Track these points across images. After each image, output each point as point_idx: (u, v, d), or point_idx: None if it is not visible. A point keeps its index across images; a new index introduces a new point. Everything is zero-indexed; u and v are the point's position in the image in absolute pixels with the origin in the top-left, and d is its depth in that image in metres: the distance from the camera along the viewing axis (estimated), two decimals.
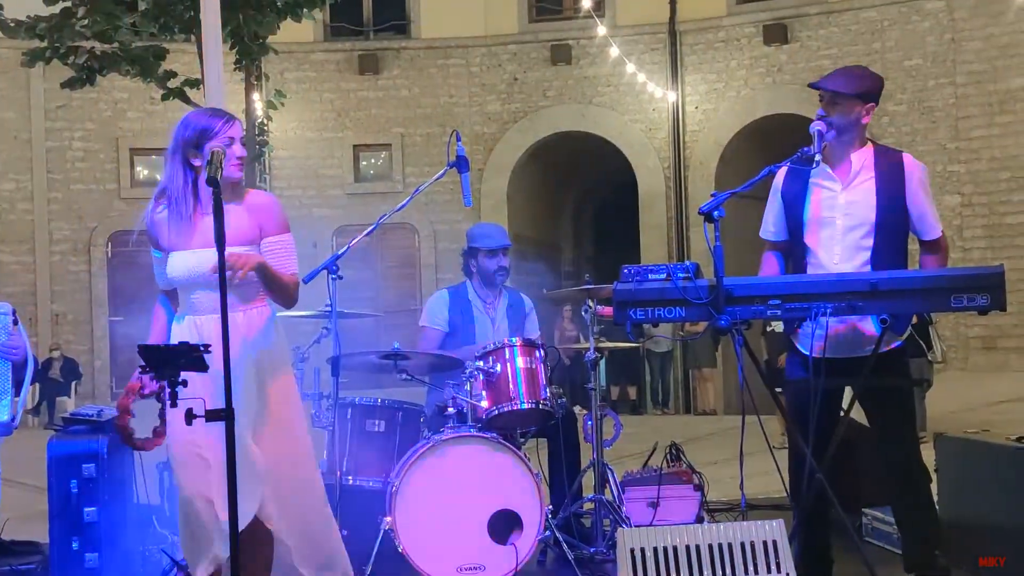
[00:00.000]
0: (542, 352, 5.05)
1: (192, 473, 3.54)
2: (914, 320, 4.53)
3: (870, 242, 4.02)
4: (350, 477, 4.94)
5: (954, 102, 14.39)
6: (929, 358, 8.87)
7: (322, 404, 5.10)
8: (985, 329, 13.61)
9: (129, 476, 4.89)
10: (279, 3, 9.75)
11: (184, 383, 3.16)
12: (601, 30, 15.72)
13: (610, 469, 5.30)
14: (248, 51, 9.55)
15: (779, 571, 3.69)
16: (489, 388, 4.88)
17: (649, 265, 3.94)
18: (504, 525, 4.55)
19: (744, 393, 3.92)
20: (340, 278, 4.71)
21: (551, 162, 17.46)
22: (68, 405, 14.16)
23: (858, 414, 4.25)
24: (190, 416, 3.13)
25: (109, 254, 16.23)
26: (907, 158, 4.13)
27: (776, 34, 15.66)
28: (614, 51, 15.96)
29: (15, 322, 3.75)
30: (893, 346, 4.03)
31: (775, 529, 3.73)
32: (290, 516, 3.65)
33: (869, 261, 4.02)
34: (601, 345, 5.28)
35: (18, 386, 3.76)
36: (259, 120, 10.79)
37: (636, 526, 4.83)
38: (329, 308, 4.81)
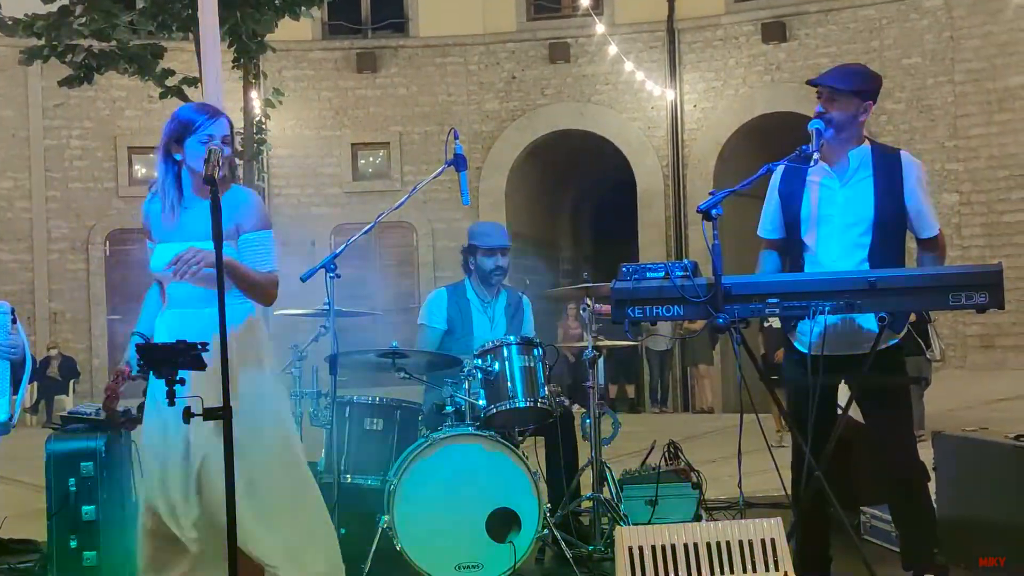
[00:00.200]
0: (540, 350, 5.05)
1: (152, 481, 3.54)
2: (912, 318, 4.53)
3: (868, 240, 4.03)
4: (348, 475, 4.94)
5: (952, 100, 14.39)
6: (928, 356, 8.84)
7: (320, 402, 5.10)
8: (983, 327, 13.62)
9: (127, 474, 4.88)
10: (277, 1, 9.74)
11: (182, 381, 3.16)
12: (599, 28, 15.71)
13: (608, 467, 5.30)
14: (246, 49, 9.55)
15: (777, 569, 3.69)
16: (487, 386, 4.89)
17: (647, 263, 3.94)
18: (502, 523, 4.55)
19: (743, 391, 3.93)
20: (338, 276, 4.70)
21: (549, 160, 17.46)
22: (66, 403, 14.15)
23: (856, 412, 4.25)
24: (188, 414, 3.13)
25: (107, 252, 16.22)
26: (905, 156, 4.13)
27: (774, 32, 15.66)
28: (612, 49, 15.96)
29: (13, 320, 3.75)
30: (890, 344, 4.03)
31: (773, 527, 3.74)
32: (271, 531, 3.51)
33: (867, 259, 4.02)
34: (600, 343, 5.28)
35: (16, 385, 3.76)
36: (257, 118, 10.77)
37: (634, 524, 4.83)
38: (327, 306, 4.81)
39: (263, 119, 11.72)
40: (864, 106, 4.10)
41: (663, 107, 16.31)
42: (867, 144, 4.15)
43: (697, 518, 5.25)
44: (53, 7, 9.33)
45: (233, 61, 9.72)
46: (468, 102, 16.88)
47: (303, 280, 4.69)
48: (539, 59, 16.81)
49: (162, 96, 9.53)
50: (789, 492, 4.19)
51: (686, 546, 3.72)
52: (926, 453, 4.51)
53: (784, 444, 4.98)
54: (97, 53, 9.38)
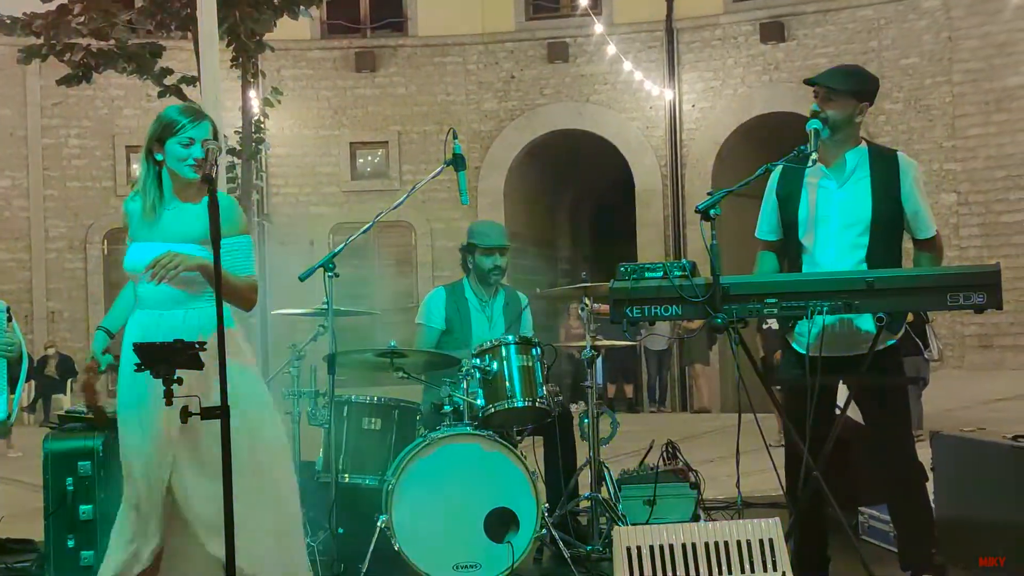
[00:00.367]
0: (538, 350, 5.04)
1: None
2: (910, 318, 4.53)
3: (865, 240, 4.03)
4: (346, 475, 4.93)
5: (950, 100, 14.39)
6: (926, 356, 8.87)
7: (318, 402, 5.09)
8: (981, 327, 13.62)
9: None
10: (276, 0, 9.73)
11: (179, 381, 3.15)
12: (598, 28, 15.71)
13: (606, 467, 5.30)
14: (245, 48, 9.54)
15: (775, 569, 3.69)
16: (485, 386, 4.88)
17: (646, 263, 3.94)
18: (500, 523, 4.54)
19: (740, 391, 3.92)
20: (336, 276, 4.69)
21: (548, 160, 17.45)
22: (64, 403, 14.14)
23: (854, 413, 4.25)
24: (185, 414, 3.12)
25: (105, 251, 16.20)
26: (901, 156, 4.14)
27: (773, 32, 15.65)
28: (611, 49, 15.95)
29: (9, 319, 3.75)
30: (888, 344, 4.03)
31: (771, 527, 3.73)
32: (243, 538, 3.43)
33: (864, 260, 4.02)
34: (598, 343, 5.27)
35: (13, 383, 3.75)
36: (256, 117, 10.76)
37: (632, 524, 4.82)
38: (326, 306, 4.80)
39: (262, 118, 11.71)
40: (861, 107, 4.10)
41: (662, 107, 16.30)
42: (864, 145, 4.15)
43: (695, 518, 5.25)
44: (52, 6, 9.33)
45: (232, 60, 9.71)
46: (467, 101, 16.88)
47: (301, 279, 4.69)
48: (538, 59, 16.80)
49: (160, 95, 9.52)
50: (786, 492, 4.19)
51: (684, 546, 3.71)
52: (924, 453, 4.50)
53: (783, 443, 4.96)
54: (95, 52, 9.37)
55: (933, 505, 4.39)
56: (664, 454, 5.76)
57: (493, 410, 4.85)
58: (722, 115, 16.10)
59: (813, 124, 4.00)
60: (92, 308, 16.03)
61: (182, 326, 3.52)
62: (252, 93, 11.01)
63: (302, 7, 10.09)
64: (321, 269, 4.68)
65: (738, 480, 4.49)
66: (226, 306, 3.59)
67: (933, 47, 14.52)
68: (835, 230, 4.06)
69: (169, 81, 9.74)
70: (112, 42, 9.10)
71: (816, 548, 4.19)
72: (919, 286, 3.80)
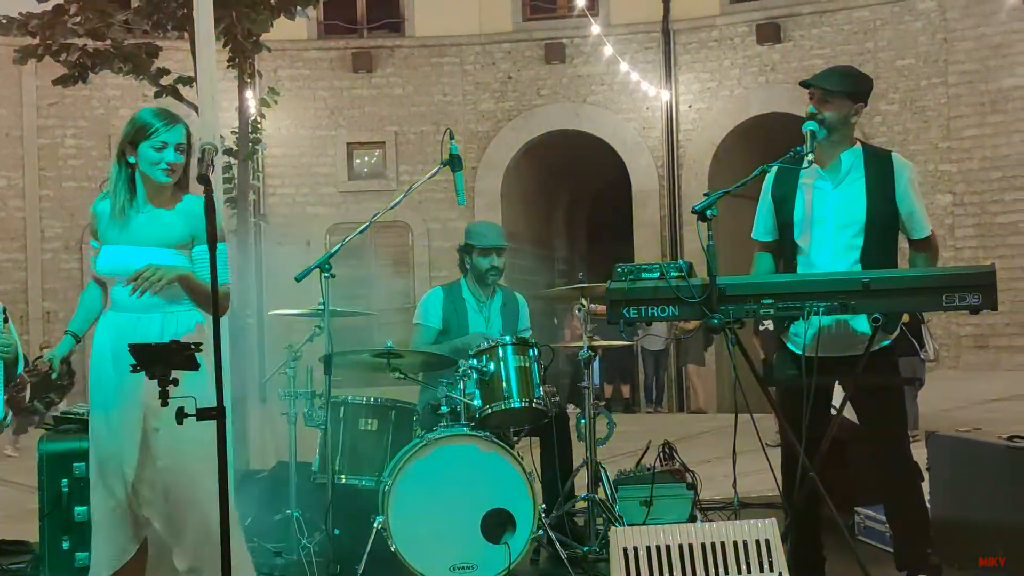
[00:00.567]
0: (535, 351, 5.04)
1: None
2: (906, 319, 4.53)
3: (860, 241, 4.03)
4: (342, 476, 4.93)
5: (946, 102, 14.40)
6: (922, 356, 8.88)
7: (315, 403, 5.09)
8: (977, 328, 13.63)
9: None
10: (273, 1, 9.71)
11: (175, 382, 3.15)
12: (595, 29, 15.70)
13: (603, 468, 5.29)
14: (241, 49, 9.50)
15: (772, 570, 3.69)
16: (482, 387, 4.87)
17: (642, 264, 3.94)
18: (497, 524, 4.54)
19: (737, 391, 3.92)
20: (333, 276, 4.69)
21: (545, 160, 17.45)
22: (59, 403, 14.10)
23: (850, 413, 4.25)
24: (181, 415, 3.11)
25: None
26: (896, 157, 4.14)
27: (769, 33, 15.65)
28: (608, 50, 15.95)
29: (5, 320, 3.74)
30: (883, 345, 4.03)
31: (768, 528, 3.73)
32: (178, 537, 3.57)
33: (859, 260, 4.02)
34: (595, 343, 5.27)
35: (9, 384, 3.74)
36: (252, 118, 10.73)
37: (629, 525, 4.82)
38: (322, 306, 4.79)
39: (258, 118, 11.66)
40: (856, 108, 4.11)
41: (658, 108, 16.30)
42: (858, 146, 4.16)
43: (692, 519, 5.25)
44: (47, 6, 9.30)
45: (228, 60, 9.67)
46: (464, 102, 16.87)
47: (298, 280, 4.68)
48: (535, 59, 16.79)
49: (157, 95, 9.48)
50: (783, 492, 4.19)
51: (681, 547, 3.71)
52: (920, 453, 4.51)
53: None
54: (91, 52, 9.32)
55: (929, 505, 4.39)
56: (661, 455, 5.76)
57: (490, 411, 4.85)
58: (719, 116, 16.10)
59: (809, 125, 4.00)
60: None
61: (160, 330, 3.57)
62: (249, 93, 10.96)
63: (299, 7, 10.05)
64: (317, 269, 4.68)
65: (735, 481, 4.49)
66: (198, 307, 3.62)
67: (929, 48, 14.54)
68: (830, 231, 4.06)
69: (165, 81, 9.71)
70: (108, 42, 9.06)
71: (812, 548, 4.19)
72: (915, 287, 3.81)
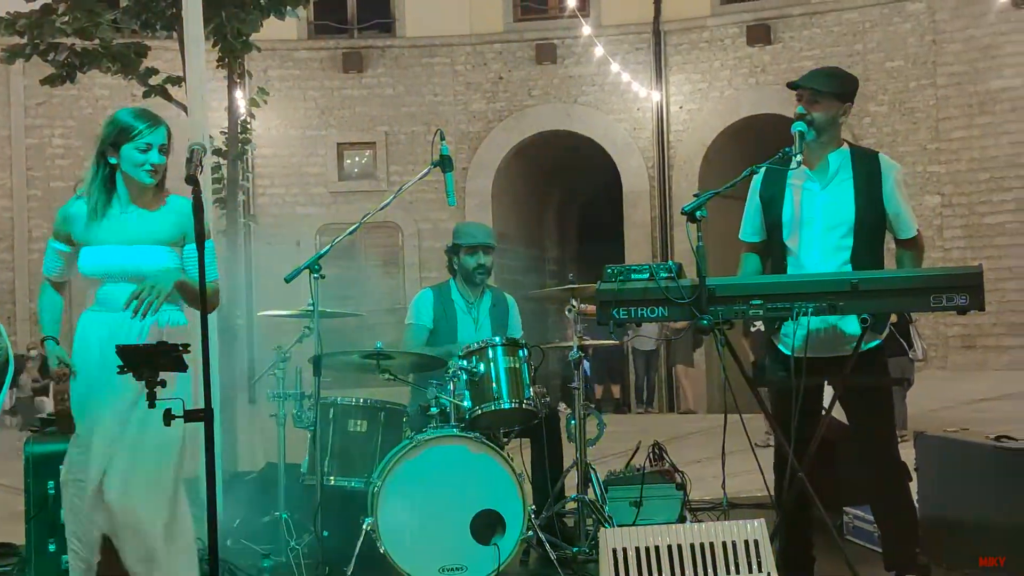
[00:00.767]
0: (525, 351, 5.04)
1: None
2: (894, 319, 4.54)
3: (850, 242, 4.05)
4: (331, 477, 4.92)
5: (935, 103, 14.45)
6: (910, 356, 8.90)
7: (304, 404, 5.07)
8: (964, 328, 13.67)
9: None
10: (262, 0, 9.68)
11: (163, 383, 3.14)
12: (586, 30, 15.71)
13: (593, 469, 5.29)
14: (231, 48, 9.47)
15: (760, 570, 3.69)
16: (472, 388, 4.87)
17: (632, 265, 3.94)
18: (486, 525, 4.53)
19: (727, 392, 3.93)
20: (322, 277, 4.67)
21: (536, 161, 17.45)
22: (46, 405, 14.03)
23: (839, 413, 4.26)
24: (168, 416, 3.10)
25: None
26: (883, 158, 4.16)
27: (759, 35, 15.69)
28: (599, 51, 15.96)
29: None
30: (872, 345, 4.04)
31: (757, 529, 3.74)
32: (136, 534, 3.56)
33: (849, 261, 4.03)
34: (585, 343, 5.27)
35: None
36: (242, 118, 10.71)
37: (618, 526, 4.82)
38: (311, 307, 4.78)
39: (248, 118, 11.66)
40: (844, 108, 4.13)
41: (649, 108, 16.32)
42: (846, 147, 4.17)
43: (682, 519, 5.25)
44: (35, 5, 9.26)
45: (218, 60, 9.65)
46: (455, 102, 16.86)
47: (287, 281, 4.67)
48: (526, 60, 16.80)
49: (145, 95, 9.45)
50: (772, 493, 4.19)
51: (670, 548, 3.72)
52: (908, 453, 4.52)
53: (771, 444, 4.98)
54: (80, 52, 9.29)
55: (917, 505, 4.40)
56: (651, 455, 5.76)
57: (480, 412, 4.84)
58: (709, 117, 16.13)
59: (798, 126, 4.01)
60: (75, 310, 15.88)
61: (152, 329, 3.58)
62: (238, 93, 10.94)
63: (289, 7, 10.03)
64: (307, 270, 4.66)
65: (723, 481, 4.50)
66: (183, 305, 3.62)
67: (917, 50, 14.58)
68: (819, 232, 4.07)
69: (154, 81, 9.68)
70: (96, 42, 9.02)
71: (801, 549, 4.19)
72: (903, 287, 3.82)
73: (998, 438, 4.41)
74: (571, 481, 5.22)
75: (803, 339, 3.83)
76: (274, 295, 5.49)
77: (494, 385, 4.88)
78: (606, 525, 4.85)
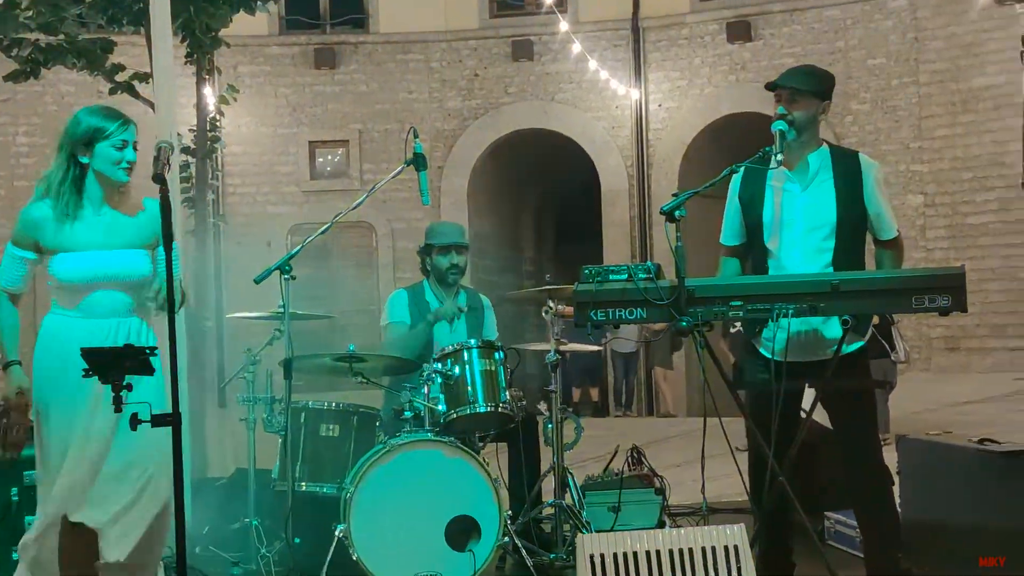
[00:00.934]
0: (501, 354, 5.04)
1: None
2: (876, 321, 4.56)
3: (831, 243, 4.06)
4: (303, 483, 4.91)
5: (917, 101, 14.54)
6: (892, 359, 8.95)
7: (274, 408, 5.06)
8: (947, 330, 13.76)
9: None
10: None
11: (129, 387, 3.12)
12: (563, 26, 15.72)
13: (570, 473, 5.30)
14: (200, 44, 9.44)
15: None
16: (447, 391, 4.86)
17: (610, 265, 3.95)
18: (462, 531, 4.53)
19: (706, 395, 3.94)
20: (293, 278, 4.66)
21: (512, 159, 17.45)
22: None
23: (821, 416, 4.28)
24: (135, 421, 3.09)
25: None
26: (862, 157, 4.19)
27: (739, 32, 15.74)
28: (576, 47, 15.97)
29: None
30: (854, 347, 4.06)
31: (736, 534, 3.74)
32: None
33: (831, 263, 4.05)
34: (563, 347, 5.28)
35: None
36: (211, 115, 10.67)
37: (596, 531, 4.83)
38: (282, 309, 4.76)
39: (217, 116, 11.62)
40: (823, 106, 4.16)
41: (628, 106, 16.35)
42: (825, 146, 4.19)
43: (660, 524, 5.27)
44: None
45: (186, 56, 9.61)
46: (429, 100, 16.84)
47: (257, 282, 4.65)
48: (502, 57, 16.79)
49: (111, 92, 9.40)
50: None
51: (648, 553, 3.72)
52: (890, 457, 4.54)
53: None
54: (44, 47, 9.23)
55: (899, 509, 4.42)
56: (629, 459, 5.77)
57: (455, 415, 4.84)
58: (688, 115, 16.17)
59: (778, 125, 4.03)
60: (39, 313, 15.75)
61: (142, 330, 3.65)
62: (207, 90, 10.91)
63: (259, 2, 10.00)
64: (278, 271, 4.64)
65: (703, 486, 4.51)
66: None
67: (900, 47, 14.67)
68: (800, 233, 4.09)
69: (121, 78, 9.63)
70: (61, 37, 8.97)
71: (781, 554, 4.21)
72: (884, 288, 3.84)
73: (981, 441, 4.44)
74: (548, 486, 5.22)
75: (784, 342, 3.85)
76: (244, 296, 5.48)
77: (469, 388, 4.88)
78: (584, 531, 4.86)
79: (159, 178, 3.28)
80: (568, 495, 5.20)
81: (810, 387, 4.23)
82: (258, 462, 5.16)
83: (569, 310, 4.87)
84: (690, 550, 3.72)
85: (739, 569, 3.70)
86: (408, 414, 4.81)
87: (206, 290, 8.81)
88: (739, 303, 3.85)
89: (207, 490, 5.60)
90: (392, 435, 4.79)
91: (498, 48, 16.81)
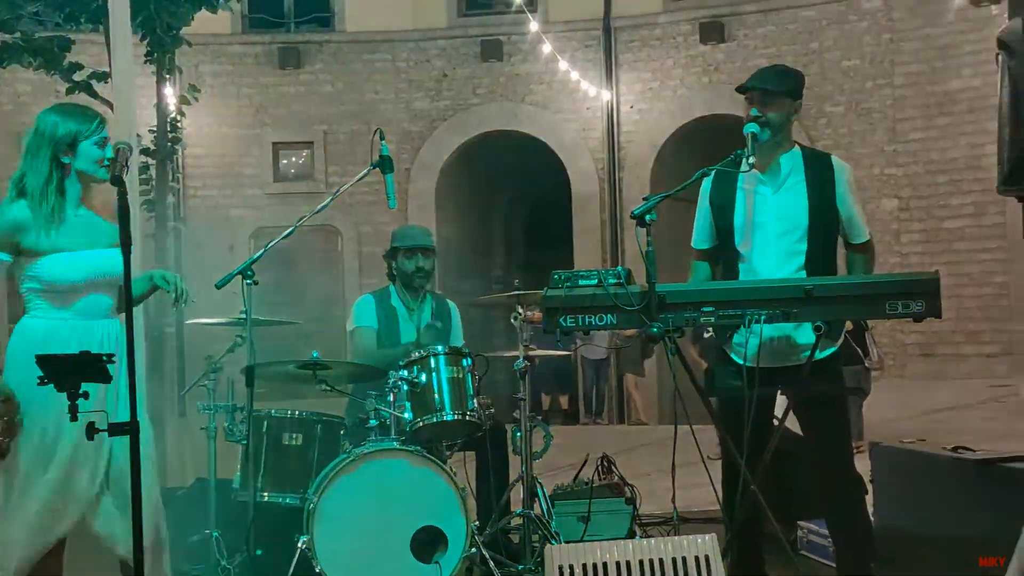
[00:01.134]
0: (469, 360, 5.04)
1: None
2: (849, 326, 4.60)
3: (804, 247, 4.09)
4: (265, 493, 4.89)
5: (892, 104, 14.66)
6: (866, 365, 9.02)
7: (236, 416, 5.04)
8: (922, 336, 13.88)
9: None
10: None
11: (85, 395, 3.10)
12: (533, 26, 15.75)
13: (539, 483, 5.31)
14: (160, 43, 9.40)
15: None
16: (413, 399, 4.86)
17: (580, 270, 3.96)
18: (428, 543, 4.53)
19: (677, 402, 3.96)
20: (256, 283, 4.63)
21: (482, 162, 17.46)
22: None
23: (793, 423, 4.31)
24: (91, 430, 3.07)
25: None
26: (835, 159, 4.22)
27: (713, 32, 15.82)
28: (547, 48, 16.01)
29: None
30: (827, 353, 4.09)
31: (707, 544, 3.77)
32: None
33: (803, 266, 4.08)
34: (532, 353, 5.29)
35: None
36: (172, 115, 10.62)
37: (566, 542, 4.84)
38: (244, 315, 4.74)
39: (178, 116, 11.56)
40: (796, 106, 4.19)
41: (599, 108, 16.40)
42: (796, 148, 4.22)
43: (631, 534, 5.29)
44: None
45: (146, 55, 9.57)
46: (396, 100, 16.82)
47: (218, 287, 4.62)
48: (471, 57, 16.80)
49: (69, 91, 9.35)
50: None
51: (618, 564, 3.73)
52: (864, 465, 4.58)
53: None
54: (0, 45, 9.18)
55: (872, 518, 4.46)
56: (599, 468, 5.79)
57: (421, 424, 4.84)
58: (660, 117, 16.24)
59: (751, 128, 4.05)
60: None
61: (119, 331, 3.67)
62: (168, 90, 10.86)
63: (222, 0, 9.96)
64: (240, 276, 4.62)
65: (674, 495, 4.53)
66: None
67: (875, 49, 14.79)
68: (772, 237, 4.12)
69: (79, 77, 9.58)
70: (17, 35, 8.92)
71: (753, 564, 4.23)
72: (857, 294, 3.87)
73: (956, 449, 4.48)
74: (517, 496, 5.22)
75: (756, 348, 3.87)
76: (205, 302, 5.43)
77: (436, 396, 4.88)
78: (552, 541, 4.87)
79: (117, 180, 3.27)
80: (537, 505, 5.21)
81: (782, 394, 4.26)
82: (219, 472, 5.13)
83: (538, 316, 4.88)
84: (661, 561, 3.74)
85: None
86: (373, 422, 4.80)
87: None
88: (711, 309, 3.87)
89: (167, 501, 5.54)
90: (357, 444, 4.79)
91: (467, 48, 16.82)
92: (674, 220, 5.50)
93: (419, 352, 5.00)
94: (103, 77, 8.84)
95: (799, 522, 5.30)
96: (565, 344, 4.27)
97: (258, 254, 4.74)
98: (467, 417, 4.90)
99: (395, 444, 4.69)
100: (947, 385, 13.21)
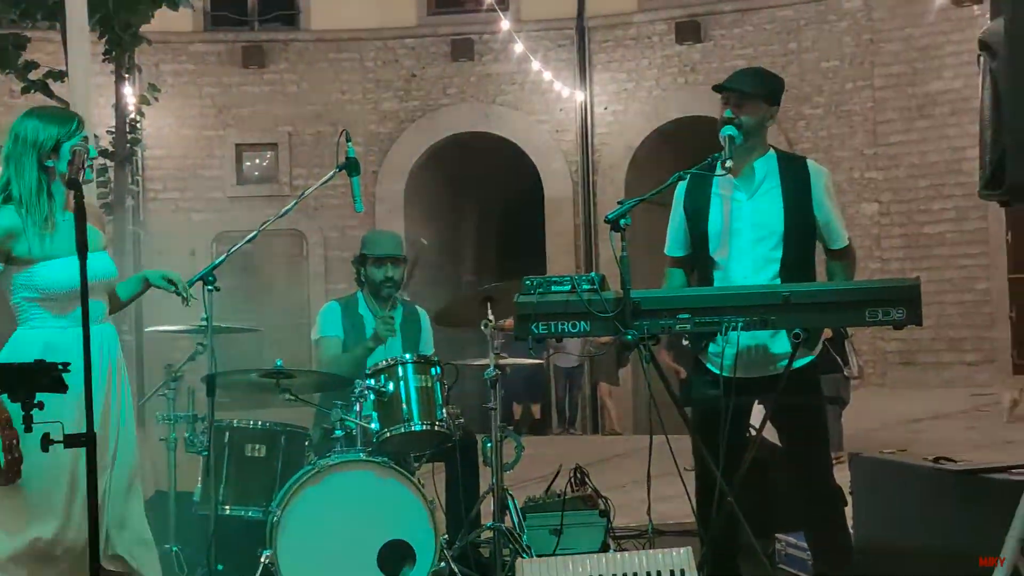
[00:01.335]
0: (438, 369, 5.03)
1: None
2: (828, 334, 4.63)
3: (779, 254, 4.11)
4: (227, 507, 4.86)
5: (872, 106, 14.75)
6: (845, 374, 9.06)
7: (196, 427, 5.02)
8: (903, 343, 13.96)
9: None
10: None
11: (40, 405, 3.08)
12: (505, 24, 15.77)
13: (510, 495, 5.30)
14: (119, 41, 9.37)
15: None
16: (380, 408, 4.85)
17: (552, 276, 3.97)
18: (395, 557, 4.52)
19: (652, 412, 3.97)
20: (218, 289, 4.62)
21: (452, 165, 17.46)
22: None
23: (770, 433, 4.33)
24: (47, 442, 3.05)
25: None
26: (811, 163, 4.24)
27: (689, 32, 15.88)
28: (519, 47, 16.03)
29: None
30: (805, 362, 4.11)
31: (683, 558, 3.78)
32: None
33: (779, 273, 4.10)
34: (503, 361, 5.29)
35: None
36: (131, 116, 10.57)
37: (537, 556, 4.84)
38: (205, 322, 4.72)
39: (137, 117, 11.53)
40: (772, 112, 4.21)
41: (572, 109, 16.43)
42: (772, 152, 4.24)
43: (604, 548, 5.29)
44: None
45: (104, 54, 9.54)
46: (364, 101, 16.80)
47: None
48: (441, 56, 16.80)
49: (24, 91, 9.31)
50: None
51: None
52: (844, 476, 4.60)
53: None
54: None
55: (852, 531, 4.48)
56: (572, 480, 5.79)
57: (389, 434, 4.83)
58: (636, 119, 16.29)
59: (728, 131, 4.07)
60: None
61: (113, 336, 3.80)
62: (127, 89, 10.82)
63: None
64: (200, 281, 4.60)
65: (649, 507, 4.54)
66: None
67: (854, 50, 14.88)
68: (747, 243, 4.13)
69: (34, 76, 9.53)
70: None
71: None
72: (836, 301, 3.89)
73: (937, 459, 4.51)
74: (487, 508, 5.22)
75: (732, 357, 3.88)
76: (165, 309, 5.41)
77: (404, 406, 4.87)
78: (524, 555, 4.87)
79: (74, 183, 3.26)
80: (508, 518, 5.21)
81: (759, 404, 4.28)
82: (179, 484, 5.11)
83: (509, 323, 4.88)
84: (635, 575, 3.75)
85: None
86: (339, 433, 4.79)
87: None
88: (687, 316, 3.88)
89: None
90: (322, 455, 4.77)
91: (436, 47, 16.82)
92: (649, 225, 5.52)
93: (386, 360, 4.99)
94: (59, 76, 8.79)
95: (777, 534, 5.32)
96: (537, 352, 4.26)
97: (220, 259, 4.73)
98: (436, 427, 4.90)
99: (361, 455, 4.68)
100: (928, 394, 13.29)
